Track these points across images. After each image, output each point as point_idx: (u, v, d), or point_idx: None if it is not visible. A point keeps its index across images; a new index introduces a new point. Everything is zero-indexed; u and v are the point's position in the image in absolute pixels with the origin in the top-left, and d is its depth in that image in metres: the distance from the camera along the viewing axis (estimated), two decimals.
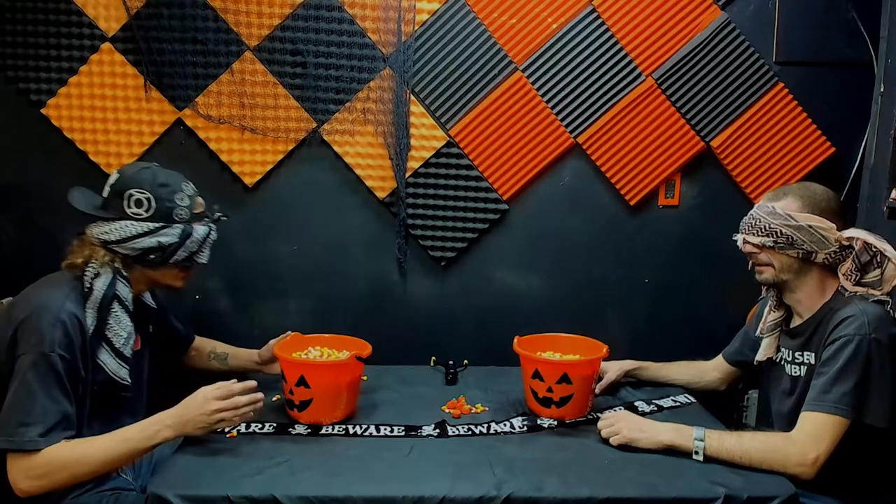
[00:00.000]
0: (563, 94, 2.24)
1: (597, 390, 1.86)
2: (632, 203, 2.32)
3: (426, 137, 2.24)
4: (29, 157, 2.19)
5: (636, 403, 1.85)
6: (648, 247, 2.36)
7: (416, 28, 2.19)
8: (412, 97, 2.23)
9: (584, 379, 1.70)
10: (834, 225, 1.54)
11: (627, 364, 1.97)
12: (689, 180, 2.33)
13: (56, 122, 2.16)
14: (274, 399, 1.80)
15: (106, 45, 2.14)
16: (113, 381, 1.50)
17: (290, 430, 1.62)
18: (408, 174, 2.25)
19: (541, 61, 2.23)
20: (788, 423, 1.62)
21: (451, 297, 2.36)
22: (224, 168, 2.22)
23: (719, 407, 1.89)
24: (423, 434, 1.62)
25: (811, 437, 1.42)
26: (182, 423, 1.44)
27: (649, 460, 1.49)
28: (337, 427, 1.64)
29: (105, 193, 1.57)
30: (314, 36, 2.17)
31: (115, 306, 1.51)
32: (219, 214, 1.68)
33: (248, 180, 2.24)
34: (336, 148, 2.24)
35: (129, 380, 1.53)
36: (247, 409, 1.49)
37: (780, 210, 1.56)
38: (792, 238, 1.54)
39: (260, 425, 1.64)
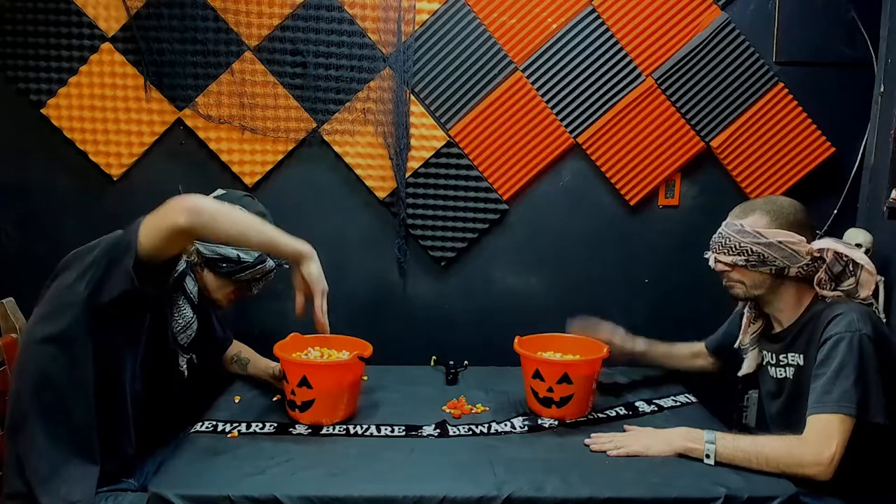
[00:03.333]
0: (563, 94, 2.24)
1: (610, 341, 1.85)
2: (632, 203, 2.32)
3: (426, 137, 2.24)
4: (29, 157, 2.20)
5: (636, 403, 1.85)
6: (648, 247, 2.36)
7: (416, 28, 2.19)
8: (412, 97, 2.22)
9: (585, 379, 1.70)
10: (804, 238, 1.53)
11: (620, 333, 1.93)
12: (689, 180, 2.33)
13: (56, 122, 2.16)
14: (274, 399, 1.81)
15: (106, 45, 2.14)
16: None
17: (291, 430, 1.62)
18: (408, 174, 2.25)
19: (541, 61, 2.23)
20: (780, 424, 1.62)
21: (451, 297, 2.36)
22: (224, 168, 2.22)
23: (719, 407, 1.89)
24: (424, 434, 1.62)
25: (822, 437, 1.41)
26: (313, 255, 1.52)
27: (650, 460, 1.49)
28: (338, 427, 1.64)
29: None
30: (314, 36, 2.17)
31: (180, 297, 1.60)
32: (287, 265, 1.70)
33: (248, 180, 2.23)
34: (336, 148, 2.24)
35: (184, 366, 1.63)
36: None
37: (749, 228, 1.55)
38: (763, 255, 1.53)
39: (261, 425, 1.64)
